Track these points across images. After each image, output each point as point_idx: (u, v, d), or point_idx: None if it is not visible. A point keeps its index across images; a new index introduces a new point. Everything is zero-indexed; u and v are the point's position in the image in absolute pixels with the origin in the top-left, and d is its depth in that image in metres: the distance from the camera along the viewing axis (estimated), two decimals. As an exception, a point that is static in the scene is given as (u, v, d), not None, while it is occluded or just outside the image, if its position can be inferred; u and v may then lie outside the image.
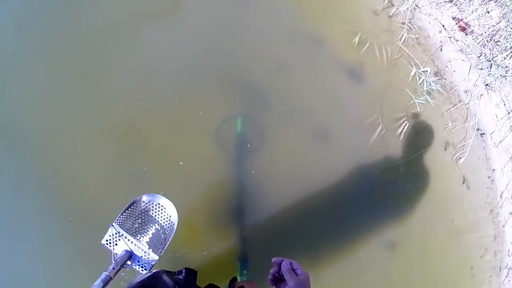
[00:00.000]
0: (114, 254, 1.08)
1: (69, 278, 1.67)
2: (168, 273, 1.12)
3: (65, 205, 1.74)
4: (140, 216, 1.19)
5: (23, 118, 1.86)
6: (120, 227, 1.11)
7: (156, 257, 1.09)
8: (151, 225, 1.20)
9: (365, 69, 2.12)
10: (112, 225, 1.09)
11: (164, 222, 1.20)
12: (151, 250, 1.10)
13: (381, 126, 2.06)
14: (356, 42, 2.13)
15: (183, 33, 2.02)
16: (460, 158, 2.55)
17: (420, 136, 2.28)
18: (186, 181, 1.77)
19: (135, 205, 1.18)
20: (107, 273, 0.97)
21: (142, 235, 1.18)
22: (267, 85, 1.96)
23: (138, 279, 1.04)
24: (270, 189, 1.82)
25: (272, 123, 1.91)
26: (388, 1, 2.43)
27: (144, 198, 1.19)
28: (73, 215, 1.70)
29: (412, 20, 2.45)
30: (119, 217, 1.14)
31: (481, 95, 2.82)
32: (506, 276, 2.99)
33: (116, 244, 1.10)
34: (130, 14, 2.01)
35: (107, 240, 1.11)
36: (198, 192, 1.79)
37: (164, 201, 1.21)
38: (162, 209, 1.21)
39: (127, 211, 1.17)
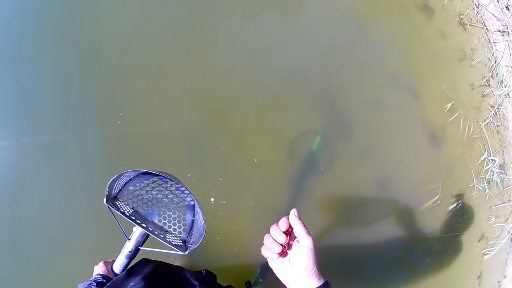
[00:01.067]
0: (125, 232, 0.89)
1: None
2: (190, 272, 1.01)
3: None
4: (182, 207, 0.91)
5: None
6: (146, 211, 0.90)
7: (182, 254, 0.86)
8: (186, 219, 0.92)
9: (445, 136, 2.10)
10: (135, 209, 0.89)
11: (198, 224, 0.91)
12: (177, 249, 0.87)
13: (438, 196, 2.04)
14: (448, 108, 2.10)
15: (298, 33, 2.01)
16: (486, 254, 2.53)
17: (463, 219, 2.26)
18: (248, 178, 1.76)
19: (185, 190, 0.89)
20: (126, 258, 0.87)
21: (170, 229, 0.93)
22: (355, 116, 1.94)
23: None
24: (316, 214, 1.82)
25: (345, 154, 1.90)
26: (486, 80, 2.40)
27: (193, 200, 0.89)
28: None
29: (500, 107, 2.42)
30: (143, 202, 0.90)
31: (529, 204, 2.80)
32: None
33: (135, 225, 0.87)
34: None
35: (127, 212, 0.88)
36: (254, 192, 1.78)
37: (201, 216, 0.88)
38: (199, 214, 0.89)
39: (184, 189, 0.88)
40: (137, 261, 0.94)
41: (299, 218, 0.76)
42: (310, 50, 2.00)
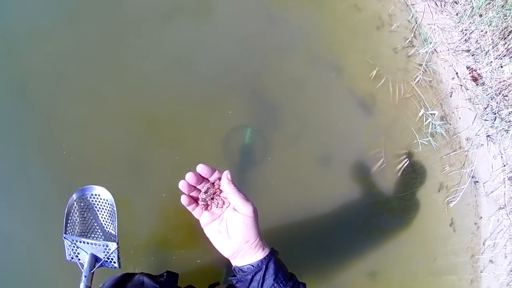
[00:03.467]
0: (80, 264, 1.05)
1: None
2: (150, 276, 1.07)
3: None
4: (83, 215, 1.15)
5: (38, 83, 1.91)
6: (72, 234, 1.09)
7: (114, 244, 1.05)
8: (98, 218, 1.15)
9: (376, 102, 2.20)
10: (64, 237, 1.06)
11: (105, 209, 1.14)
12: (106, 241, 1.07)
13: (382, 159, 2.14)
14: (373, 76, 2.21)
15: (216, 31, 2.09)
16: (451, 201, 2.64)
17: (416, 175, 2.37)
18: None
19: (72, 208, 1.12)
20: (84, 284, 0.97)
21: (93, 231, 1.15)
22: (281, 102, 2.03)
23: (110, 280, 1.03)
24: (264, 203, 1.89)
25: (280, 140, 1.99)
26: (409, 41, 2.52)
27: (74, 196, 1.12)
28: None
29: (428, 63, 2.54)
30: (66, 226, 1.10)
31: (481, 144, 2.92)
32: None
33: (78, 254, 1.06)
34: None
35: (70, 255, 1.07)
36: None
37: (96, 190, 1.13)
38: (97, 198, 1.13)
39: (70, 218, 1.11)
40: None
41: (232, 183, 0.66)
42: (230, 45, 2.08)
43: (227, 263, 1.83)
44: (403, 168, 2.25)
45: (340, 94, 2.15)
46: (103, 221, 1.14)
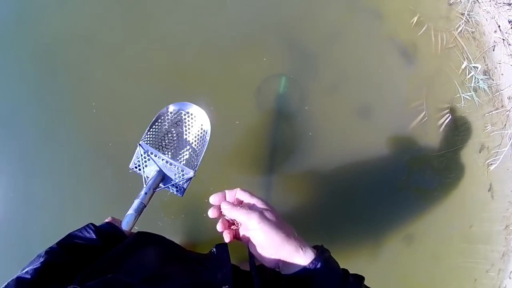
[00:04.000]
0: (144, 177, 0.93)
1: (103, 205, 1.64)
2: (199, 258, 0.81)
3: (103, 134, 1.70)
4: (169, 130, 1.03)
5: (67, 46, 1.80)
6: (149, 145, 0.96)
7: (191, 172, 0.93)
8: (182, 138, 1.04)
9: (418, 51, 2.02)
10: (139, 144, 0.94)
11: (195, 133, 1.03)
12: (184, 165, 0.95)
13: (424, 112, 1.98)
14: (414, 22, 2.02)
15: None
16: (491, 164, 2.47)
17: (458, 132, 2.21)
18: (222, 127, 1.70)
19: (162, 118, 1.01)
20: (139, 200, 0.85)
21: (173, 150, 1.04)
22: (318, 50, 1.87)
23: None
24: (300, 155, 1.76)
25: (316, 89, 1.84)
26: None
27: (171, 108, 1.01)
28: (111, 143, 1.66)
29: (470, 13, 2.34)
30: (146, 134, 0.98)
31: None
32: (504, 297, 2.95)
33: (146, 166, 0.94)
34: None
35: (135, 164, 0.95)
36: (232, 141, 1.73)
37: (194, 109, 1.01)
38: (192, 119, 1.02)
39: (154, 127, 1.00)
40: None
41: (229, 203, 0.64)
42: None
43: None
44: (445, 123, 2.08)
45: (380, 42, 1.98)
46: (190, 145, 1.03)
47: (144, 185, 0.90)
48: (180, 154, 1.04)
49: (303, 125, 1.79)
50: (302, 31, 1.87)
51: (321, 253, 0.59)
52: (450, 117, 2.09)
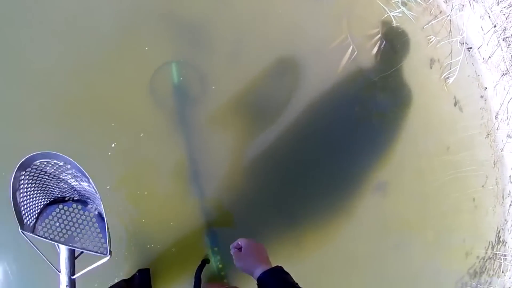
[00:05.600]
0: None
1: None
2: (126, 281, 1.14)
3: None
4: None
5: None
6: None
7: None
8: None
9: None
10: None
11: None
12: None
13: (351, 46, 1.72)
14: None
15: None
16: (449, 77, 2.26)
17: (400, 53, 1.97)
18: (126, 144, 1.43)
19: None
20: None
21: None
22: (202, 17, 1.55)
23: None
24: (226, 142, 1.50)
25: (216, 64, 1.54)
26: None
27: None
28: None
29: None
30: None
31: (463, 5, 2.49)
32: (511, 205, 2.81)
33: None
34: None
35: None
36: (142, 159, 1.46)
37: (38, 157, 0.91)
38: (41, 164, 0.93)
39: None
40: None
41: (232, 246, 1.07)
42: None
43: (205, 230, 1.50)
44: (380, 50, 1.84)
45: None
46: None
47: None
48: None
49: (214, 106, 1.51)
50: (182, 6, 1.55)
51: (272, 269, 0.95)
52: (384, 42, 1.85)
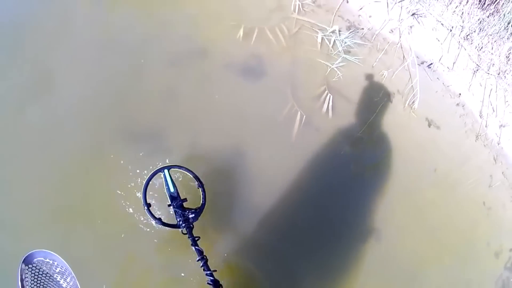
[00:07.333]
0: None
1: None
2: None
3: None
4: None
5: None
6: None
7: None
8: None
9: (263, 59, 1.88)
10: None
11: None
12: None
13: (299, 113, 1.81)
14: (241, 35, 1.88)
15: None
16: (413, 101, 2.31)
17: (352, 101, 2.05)
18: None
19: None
20: None
21: None
22: (162, 122, 1.68)
23: None
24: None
25: (186, 155, 1.64)
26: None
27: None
28: None
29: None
30: None
31: (411, 26, 2.57)
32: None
33: None
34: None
35: None
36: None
37: (40, 254, 1.09)
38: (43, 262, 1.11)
39: None
40: None
41: None
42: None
43: None
44: (331, 105, 1.92)
45: (218, 75, 1.81)
46: None
47: None
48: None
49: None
50: (139, 115, 1.70)
51: None
52: (331, 96, 1.94)
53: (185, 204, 1.44)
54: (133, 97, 1.69)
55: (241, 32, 1.88)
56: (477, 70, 2.91)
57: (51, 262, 1.12)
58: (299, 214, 1.75)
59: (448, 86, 2.62)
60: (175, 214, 1.41)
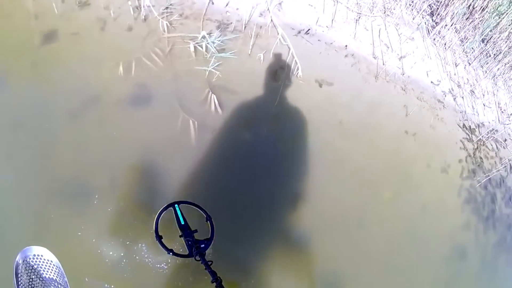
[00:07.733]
0: None
1: None
2: None
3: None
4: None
5: None
6: None
7: None
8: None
9: (146, 85, 2.13)
10: None
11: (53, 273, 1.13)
12: None
13: (191, 121, 2.08)
14: (121, 71, 2.13)
15: None
16: (297, 70, 2.58)
17: (250, 86, 2.32)
18: None
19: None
20: None
21: None
22: (81, 172, 1.84)
23: None
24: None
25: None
26: (137, 8, 2.42)
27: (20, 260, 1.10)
28: None
29: (169, 5, 2.44)
30: None
31: (280, 3, 2.81)
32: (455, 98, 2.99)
33: None
34: None
35: None
36: None
37: (37, 250, 1.11)
38: (40, 259, 1.12)
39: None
40: None
41: None
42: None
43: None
44: (217, 103, 2.19)
45: (112, 113, 2.02)
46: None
47: None
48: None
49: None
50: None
51: None
52: (213, 96, 2.20)
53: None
54: (49, 159, 1.86)
55: (121, 69, 2.12)
56: (359, 17, 3.19)
57: (46, 260, 1.13)
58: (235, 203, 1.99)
59: (331, 43, 2.90)
60: (186, 244, 1.52)
